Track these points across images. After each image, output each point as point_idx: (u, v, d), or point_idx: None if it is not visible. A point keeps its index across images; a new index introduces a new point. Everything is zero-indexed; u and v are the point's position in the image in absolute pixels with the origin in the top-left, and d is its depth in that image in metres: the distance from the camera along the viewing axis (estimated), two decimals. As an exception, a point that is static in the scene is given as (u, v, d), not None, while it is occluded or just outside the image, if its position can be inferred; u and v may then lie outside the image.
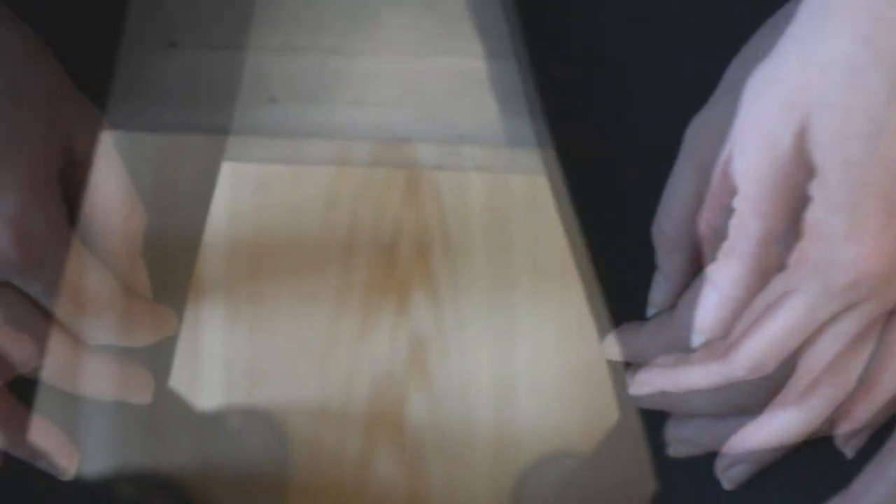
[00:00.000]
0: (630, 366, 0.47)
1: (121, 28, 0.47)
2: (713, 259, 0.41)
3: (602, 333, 0.50)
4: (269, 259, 0.90)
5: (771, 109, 0.38)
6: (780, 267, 0.40)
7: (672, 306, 0.45)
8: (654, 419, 0.47)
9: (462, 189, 0.90)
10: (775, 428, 0.43)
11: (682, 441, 0.45)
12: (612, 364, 0.50)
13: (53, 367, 0.43)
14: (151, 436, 0.66)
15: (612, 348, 0.46)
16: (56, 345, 0.43)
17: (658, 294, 0.45)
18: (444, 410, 0.93)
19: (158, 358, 0.49)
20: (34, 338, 0.42)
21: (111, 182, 0.44)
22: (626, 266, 0.47)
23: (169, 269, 0.48)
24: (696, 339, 0.42)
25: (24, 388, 0.44)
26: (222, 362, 0.91)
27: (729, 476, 0.45)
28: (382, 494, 0.92)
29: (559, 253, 0.85)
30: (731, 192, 0.41)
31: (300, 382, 0.92)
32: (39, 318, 0.42)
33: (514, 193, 0.89)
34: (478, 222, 0.91)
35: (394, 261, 0.91)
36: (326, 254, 0.90)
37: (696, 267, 0.44)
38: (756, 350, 0.41)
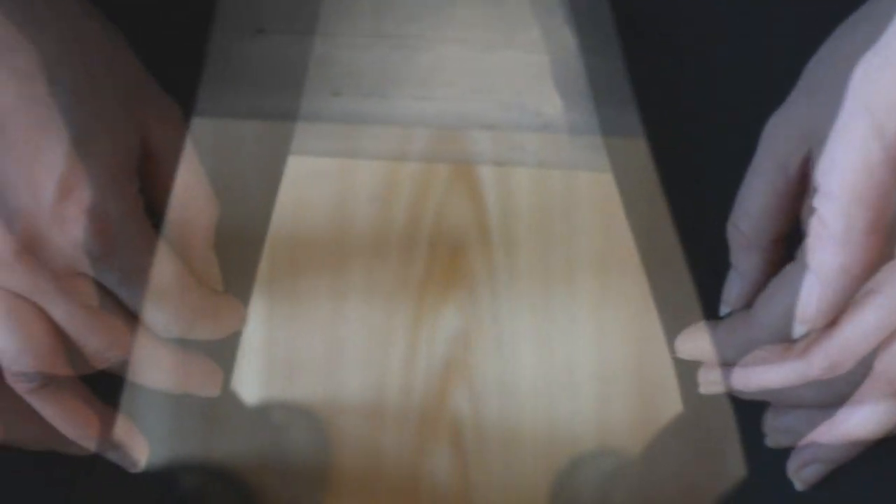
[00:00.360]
0: (693, 364, 0.47)
1: (211, 14, 0.47)
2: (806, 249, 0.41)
3: (668, 331, 0.50)
4: (312, 252, 0.90)
5: (881, 98, 0.38)
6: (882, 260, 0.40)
7: (747, 305, 0.44)
8: (745, 409, 0.46)
9: (521, 183, 0.90)
10: (850, 426, 0.43)
11: (782, 431, 0.45)
12: (677, 362, 0.50)
13: (125, 359, 0.43)
14: (206, 426, 0.66)
15: (685, 347, 0.46)
16: (129, 337, 0.43)
17: (732, 292, 0.45)
18: (484, 406, 0.93)
19: (224, 350, 0.48)
20: (109, 329, 0.42)
21: (186, 174, 0.44)
22: (711, 261, 0.47)
23: (235, 260, 0.48)
24: (798, 330, 0.41)
25: (88, 380, 0.44)
26: (262, 356, 0.91)
27: (802, 476, 0.45)
28: (423, 489, 0.91)
29: (617, 248, 0.85)
30: (811, 189, 0.41)
31: (340, 378, 0.92)
32: (114, 310, 0.42)
33: (572, 188, 0.89)
34: (534, 217, 0.90)
35: (444, 255, 0.91)
36: (372, 248, 0.90)
37: (772, 265, 0.44)
38: (834, 350, 0.41)
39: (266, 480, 0.81)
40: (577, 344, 0.91)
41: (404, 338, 0.90)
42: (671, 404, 0.89)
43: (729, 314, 0.45)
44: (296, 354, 0.90)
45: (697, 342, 0.46)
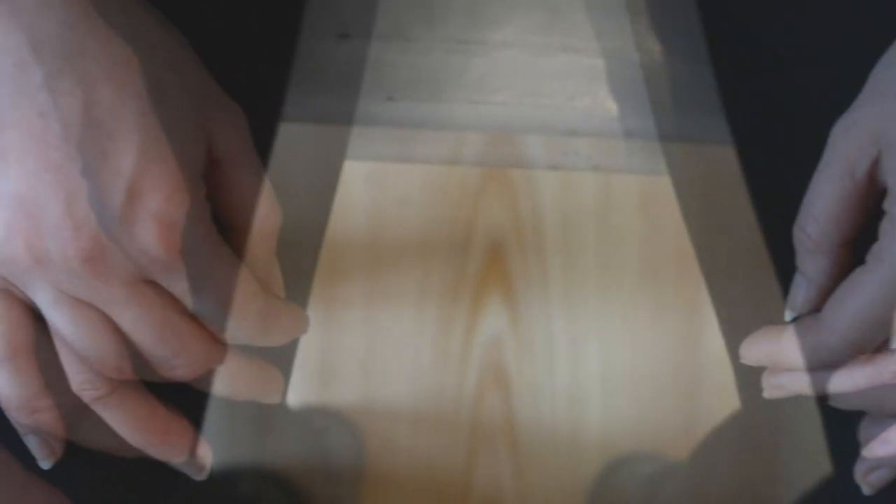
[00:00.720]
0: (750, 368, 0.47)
1: (299, 18, 0.47)
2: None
3: (728, 336, 0.50)
4: (353, 256, 0.89)
5: None
6: None
7: (813, 310, 0.44)
8: (833, 415, 0.46)
9: (573, 187, 0.89)
10: None
11: (882, 440, 0.44)
12: (738, 366, 0.49)
13: (192, 367, 0.43)
14: (255, 431, 0.66)
15: (751, 352, 0.46)
16: (196, 344, 0.43)
17: (798, 297, 0.44)
18: (521, 410, 0.93)
19: (282, 357, 0.48)
20: (176, 337, 0.42)
21: (250, 180, 0.44)
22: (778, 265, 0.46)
23: (292, 266, 0.48)
24: None
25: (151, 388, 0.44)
26: (298, 360, 0.91)
27: (869, 481, 0.45)
28: (456, 494, 0.91)
29: (668, 253, 0.84)
30: (881, 192, 0.41)
31: (374, 382, 0.91)
32: (181, 317, 0.42)
33: (622, 192, 0.88)
34: (584, 220, 0.90)
35: (489, 259, 0.90)
36: (414, 252, 0.90)
37: (839, 270, 0.43)
38: None
39: (314, 485, 0.80)
40: (613, 348, 0.91)
41: (446, 341, 0.90)
42: (707, 407, 0.88)
43: (795, 319, 0.45)
44: (332, 358, 0.89)
45: (764, 347, 0.45)
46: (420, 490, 0.90)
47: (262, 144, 0.45)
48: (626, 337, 0.91)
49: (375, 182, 0.86)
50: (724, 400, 0.86)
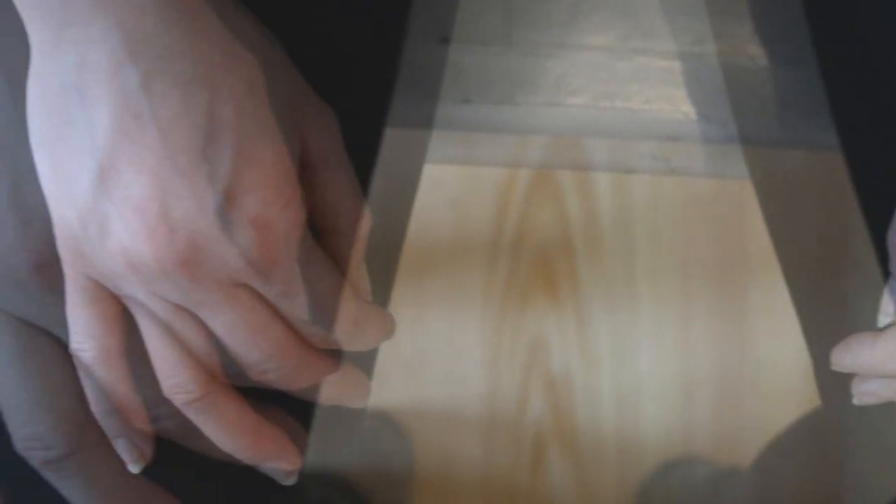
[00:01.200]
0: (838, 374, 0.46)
1: (404, 24, 0.46)
2: None
3: (812, 342, 0.49)
4: (400, 259, 0.89)
5: None
6: None
7: (909, 316, 0.44)
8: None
9: (628, 191, 0.89)
10: None
11: None
12: (819, 372, 0.49)
13: (283, 371, 0.43)
14: (319, 436, 0.66)
15: (843, 359, 0.45)
16: (289, 348, 0.42)
17: (893, 302, 0.44)
18: (567, 413, 0.92)
19: (364, 360, 0.48)
20: (268, 341, 0.42)
21: (341, 183, 0.43)
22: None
23: (373, 270, 0.48)
24: None
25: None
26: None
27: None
28: (502, 494, 0.91)
29: (718, 259, 0.84)
30: None
31: (423, 385, 0.91)
32: (274, 321, 0.42)
33: (691, 196, 0.88)
34: (635, 224, 0.90)
35: (533, 262, 0.90)
36: (461, 255, 0.90)
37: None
38: None
39: (372, 488, 0.80)
40: (662, 352, 0.91)
41: (493, 344, 0.90)
42: (757, 413, 0.88)
43: (889, 325, 0.45)
44: (380, 360, 0.89)
45: (857, 353, 0.45)
46: (467, 491, 0.90)
47: (362, 149, 0.45)
48: (676, 342, 0.91)
49: (424, 184, 0.86)
50: (772, 406, 0.86)
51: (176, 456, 0.44)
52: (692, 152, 0.55)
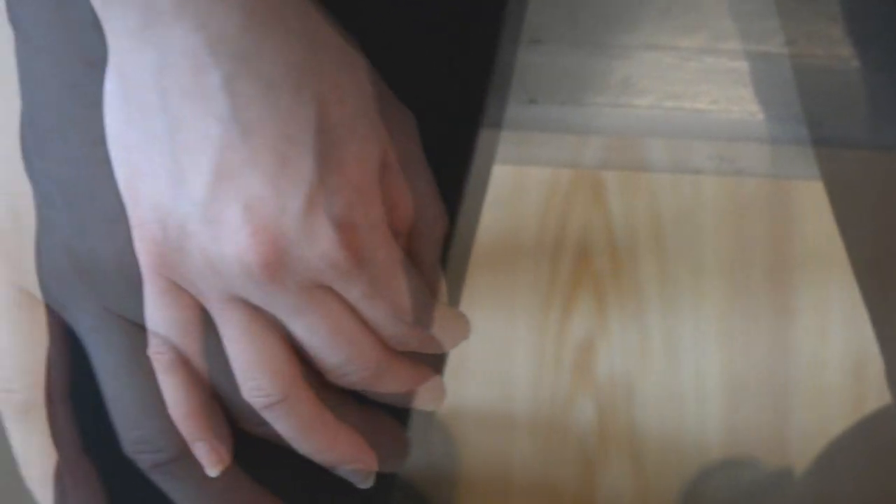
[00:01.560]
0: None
1: (499, 25, 0.46)
2: None
3: (885, 342, 0.49)
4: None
5: None
6: None
7: None
8: None
9: (709, 191, 0.89)
10: None
11: None
12: (892, 373, 0.49)
13: (363, 374, 0.42)
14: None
15: None
16: (369, 351, 0.42)
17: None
18: (611, 414, 0.92)
19: (435, 363, 0.48)
20: (349, 344, 0.42)
21: (420, 185, 0.43)
22: None
23: (447, 270, 0.48)
24: None
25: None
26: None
27: None
28: (554, 498, 0.91)
29: (785, 258, 0.84)
30: None
31: (465, 385, 0.91)
32: (354, 324, 0.42)
33: (750, 196, 0.87)
34: (705, 224, 0.89)
35: (577, 262, 0.90)
36: (505, 254, 0.89)
37: None
38: None
39: (426, 489, 0.80)
40: (706, 353, 0.90)
41: (537, 344, 0.90)
42: (799, 415, 0.88)
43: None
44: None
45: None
46: (516, 492, 0.90)
47: (457, 151, 0.45)
48: (719, 343, 0.90)
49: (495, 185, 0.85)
50: (821, 407, 0.86)
51: (280, 458, 0.44)
52: (753, 152, 0.54)
